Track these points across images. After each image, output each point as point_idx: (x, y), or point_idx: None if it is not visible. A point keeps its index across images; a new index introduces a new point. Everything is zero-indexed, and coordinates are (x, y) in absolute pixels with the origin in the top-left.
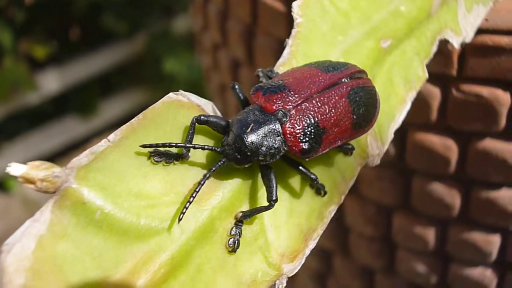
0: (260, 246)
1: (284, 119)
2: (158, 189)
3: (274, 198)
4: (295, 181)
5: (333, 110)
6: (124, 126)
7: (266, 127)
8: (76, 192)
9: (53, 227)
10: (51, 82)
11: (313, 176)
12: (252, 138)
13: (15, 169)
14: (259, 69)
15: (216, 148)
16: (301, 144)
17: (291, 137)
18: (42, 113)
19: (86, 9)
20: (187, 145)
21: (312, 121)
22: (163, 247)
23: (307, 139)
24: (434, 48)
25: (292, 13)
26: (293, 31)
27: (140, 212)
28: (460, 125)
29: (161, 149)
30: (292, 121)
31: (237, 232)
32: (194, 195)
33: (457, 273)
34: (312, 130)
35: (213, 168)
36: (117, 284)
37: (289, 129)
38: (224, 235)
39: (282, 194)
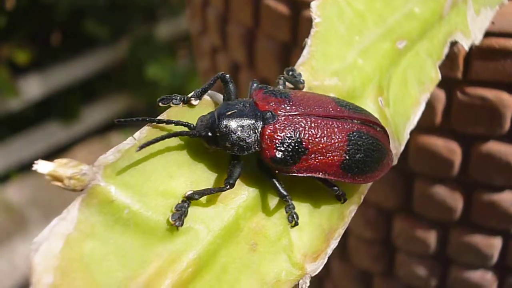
0: (283, 246)
1: (270, 120)
2: (183, 188)
3: (231, 182)
4: (315, 183)
5: (325, 138)
6: (150, 124)
7: (247, 120)
8: (103, 190)
9: (80, 225)
10: (32, 88)
11: (284, 193)
12: (228, 122)
13: (42, 166)
14: (281, 76)
15: (190, 124)
16: (274, 151)
17: (268, 140)
18: (24, 118)
19: (68, 14)
20: (161, 120)
21: (297, 136)
22: (190, 246)
23: (283, 149)
24: (446, 50)
25: (311, 13)
26: (312, 31)
27: (167, 211)
28: (464, 128)
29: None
30: (276, 126)
31: (181, 209)
32: (152, 141)
33: (457, 276)
34: (292, 144)
35: (183, 132)
36: (144, 283)
37: (269, 131)
38: (249, 234)
39: (303, 194)
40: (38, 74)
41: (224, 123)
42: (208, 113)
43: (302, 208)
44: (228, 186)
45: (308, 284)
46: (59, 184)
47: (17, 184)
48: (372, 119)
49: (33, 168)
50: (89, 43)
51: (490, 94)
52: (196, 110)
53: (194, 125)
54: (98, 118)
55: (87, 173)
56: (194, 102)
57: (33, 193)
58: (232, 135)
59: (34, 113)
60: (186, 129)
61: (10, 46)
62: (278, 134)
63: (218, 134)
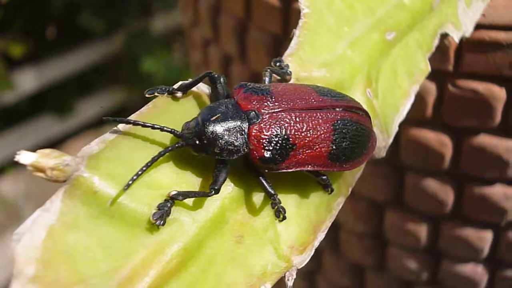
0: (270, 238)
1: (254, 120)
2: (169, 179)
3: (216, 187)
4: (303, 174)
5: (310, 131)
6: (134, 115)
7: (232, 122)
8: (87, 181)
9: (63, 216)
10: (27, 81)
11: (272, 191)
12: (213, 127)
13: (25, 157)
14: (268, 68)
15: (175, 131)
16: (262, 151)
17: (255, 140)
18: (18, 112)
19: (63, 8)
20: (147, 124)
21: (283, 133)
22: (175, 237)
23: (271, 148)
24: (436, 42)
25: (299, 3)
26: (300, 22)
27: (152, 202)
28: (455, 121)
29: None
30: (262, 125)
31: (164, 208)
32: (144, 168)
33: (448, 269)
34: (280, 142)
35: (169, 148)
36: (128, 275)
37: (255, 131)
38: (235, 226)
39: (291, 186)
40: (33, 68)
41: (210, 129)
42: (192, 120)
43: (289, 200)
44: (213, 192)
45: (294, 276)
46: (41, 175)
47: (11, 178)
48: (354, 104)
49: (15, 159)
50: (84, 36)
51: (481, 87)
52: (181, 102)
53: (179, 131)
54: (92, 112)
55: (70, 164)
56: (178, 95)
57: (28, 186)
58: (220, 141)
59: (28, 107)
60: (172, 136)
61: (5, 39)
62: (265, 133)
63: (205, 142)
